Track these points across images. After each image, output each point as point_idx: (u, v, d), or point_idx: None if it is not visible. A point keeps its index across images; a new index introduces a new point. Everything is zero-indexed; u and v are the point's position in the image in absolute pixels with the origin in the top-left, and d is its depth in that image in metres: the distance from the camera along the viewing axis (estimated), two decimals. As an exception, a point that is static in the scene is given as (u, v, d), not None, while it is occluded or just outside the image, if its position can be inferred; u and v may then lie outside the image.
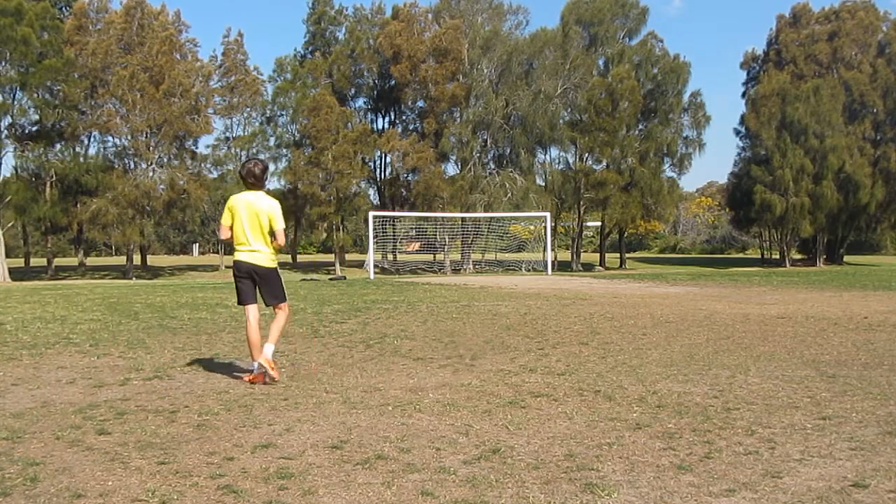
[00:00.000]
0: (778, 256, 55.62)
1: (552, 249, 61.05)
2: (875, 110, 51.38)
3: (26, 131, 39.14)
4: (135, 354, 7.88)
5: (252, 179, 6.41)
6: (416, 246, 49.83)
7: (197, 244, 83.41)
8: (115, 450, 4.25)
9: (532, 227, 41.34)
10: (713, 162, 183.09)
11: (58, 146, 39.91)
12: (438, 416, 5.05)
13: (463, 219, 43.83)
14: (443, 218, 43.31)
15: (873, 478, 3.75)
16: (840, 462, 4.02)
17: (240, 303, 6.58)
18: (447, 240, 45.64)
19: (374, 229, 33.94)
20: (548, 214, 38.09)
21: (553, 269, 38.05)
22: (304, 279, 30.82)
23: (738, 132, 54.89)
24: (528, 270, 37.50)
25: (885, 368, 7.03)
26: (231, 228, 6.45)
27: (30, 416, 5.06)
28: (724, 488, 3.61)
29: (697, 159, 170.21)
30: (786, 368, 7.02)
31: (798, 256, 58.27)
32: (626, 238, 59.81)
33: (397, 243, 50.43)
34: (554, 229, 57.10)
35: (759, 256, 61.75)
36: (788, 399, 5.60)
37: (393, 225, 45.69)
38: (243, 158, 47.61)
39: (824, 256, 53.89)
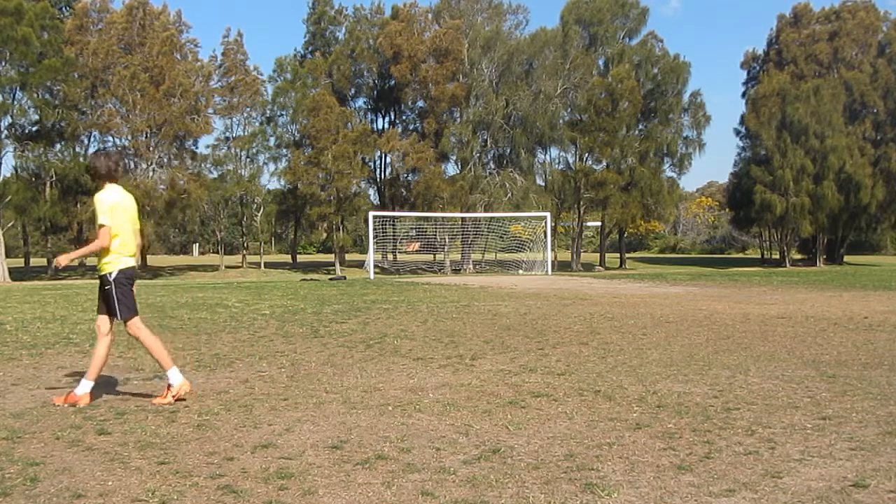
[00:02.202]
0: (778, 256, 55.65)
1: (552, 249, 61.20)
2: (875, 110, 51.47)
3: (26, 131, 39.19)
4: (134, 354, 7.88)
5: (121, 172, 5.74)
6: (416, 246, 49.79)
7: (197, 244, 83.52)
8: (115, 450, 4.25)
9: (529, 229, 41.19)
10: (713, 162, 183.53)
11: (58, 146, 39.94)
12: (438, 416, 5.06)
13: (463, 219, 43.87)
14: (443, 218, 43.34)
15: (873, 478, 3.75)
16: (840, 462, 4.03)
17: (135, 314, 5.74)
18: (447, 240, 45.69)
19: (374, 229, 34.00)
20: (548, 214, 38.13)
21: (553, 269, 38.06)
22: (303, 279, 30.92)
23: (738, 132, 55.04)
24: (525, 272, 37.50)
25: (886, 368, 7.04)
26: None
27: (30, 416, 5.06)
28: (724, 488, 3.61)
29: (697, 159, 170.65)
30: (786, 368, 7.03)
31: (798, 256, 58.31)
32: (626, 238, 59.88)
33: (397, 243, 50.46)
34: (554, 229, 57.03)
35: (759, 256, 61.80)
36: (788, 399, 5.60)
37: (393, 225, 45.69)
38: (243, 158, 47.68)
39: (824, 256, 53.94)
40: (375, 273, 33.99)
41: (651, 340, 9.08)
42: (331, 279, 29.90)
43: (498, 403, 5.45)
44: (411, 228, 46.92)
